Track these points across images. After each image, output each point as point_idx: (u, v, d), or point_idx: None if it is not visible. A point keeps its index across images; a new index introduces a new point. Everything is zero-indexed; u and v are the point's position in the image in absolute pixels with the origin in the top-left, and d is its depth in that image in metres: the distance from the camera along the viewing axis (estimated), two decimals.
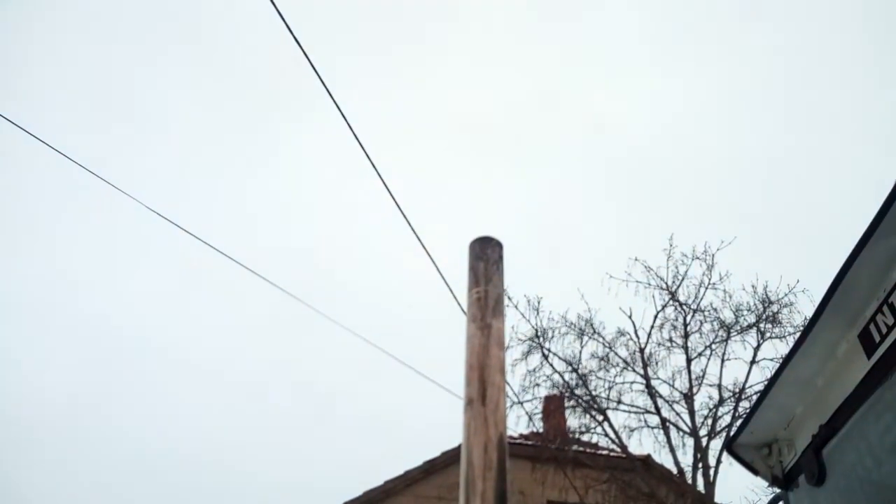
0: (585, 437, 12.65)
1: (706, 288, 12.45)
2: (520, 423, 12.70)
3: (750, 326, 12.10)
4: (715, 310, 12.39)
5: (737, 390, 11.93)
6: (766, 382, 6.08)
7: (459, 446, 2.40)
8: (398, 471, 14.44)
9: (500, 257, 2.78)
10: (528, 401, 12.66)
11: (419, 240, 5.01)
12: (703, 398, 12.17)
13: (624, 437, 12.13)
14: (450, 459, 13.91)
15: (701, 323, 12.42)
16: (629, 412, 12.35)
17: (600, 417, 12.35)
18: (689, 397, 12.05)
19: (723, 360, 12.17)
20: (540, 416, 13.05)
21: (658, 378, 12.40)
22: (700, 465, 11.41)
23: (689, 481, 11.41)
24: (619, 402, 12.38)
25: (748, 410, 4.32)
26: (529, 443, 12.96)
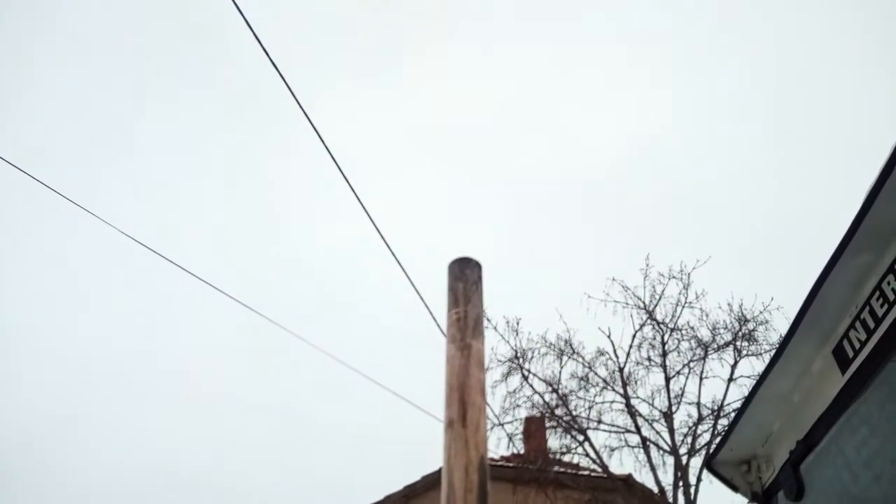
0: (566, 458, 12.60)
1: (683, 307, 12.59)
2: (500, 444, 12.64)
3: (727, 344, 12.23)
4: (692, 328, 12.52)
5: (715, 408, 12.02)
6: (743, 400, 6.14)
7: (440, 470, 2.38)
8: (378, 496, 14.25)
9: (480, 278, 2.79)
10: (508, 422, 12.62)
11: (396, 259, 5.00)
12: (683, 416, 12.25)
13: (605, 456, 12.13)
14: (430, 483, 13.75)
15: (679, 341, 12.53)
16: (609, 432, 12.37)
17: (581, 438, 12.34)
18: (668, 416, 12.09)
19: (701, 379, 12.27)
20: (521, 437, 12.99)
21: (637, 397, 12.45)
22: (681, 483, 11.42)
23: (671, 500, 11.40)
24: (600, 421, 12.39)
25: (727, 428, 4.36)
26: (511, 465, 12.87)
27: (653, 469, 11.71)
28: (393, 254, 4.94)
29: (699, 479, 11.33)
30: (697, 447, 11.80)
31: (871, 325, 2.80)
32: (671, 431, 11.93)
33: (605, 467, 12.02)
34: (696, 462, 11.62)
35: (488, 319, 12.52)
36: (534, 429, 13.21)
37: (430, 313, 4.85)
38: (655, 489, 11.70)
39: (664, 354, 12.47)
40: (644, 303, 12.68)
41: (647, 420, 12.23)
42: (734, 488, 4.03)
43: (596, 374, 12.66)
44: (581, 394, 12.57)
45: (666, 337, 12.55)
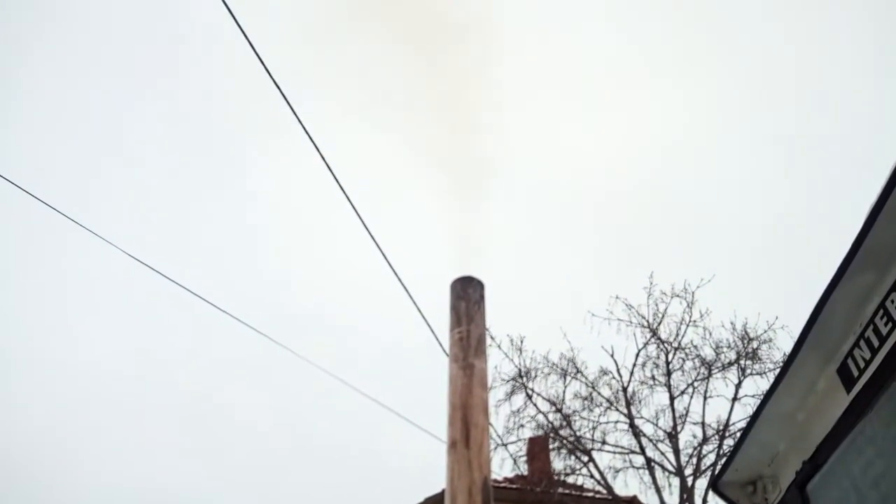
0: (571, 479, 12.48)
1: (687, 325, 12.52)
2: (504, 465, 12.53)
3: (731, 363, 12.16)
4: (696, 347, 12.44)
5: (720, 428, 11.92)
6: (748, 419, 6.10)
7: (443, 491, 2.36)
8: None
9: (482, 297, 2.79)
10: (512, 442, 12.53)
11: (398, 278, 5.00)
12: (688, 437, 12.14)
13: (609, 478, 12.01)
14: None
15: (682, 360, 12.45)
16: (614, 453, 12.26)
17: (585, 458, 12.22)
18: (673, 436, 11.99)
19: (705, 398, 12.17)
20: (524, 458, 12.88)
21: (642, 417, 12.36)
22: None
23: None
24: (604, 442, 12.28)
25: (732, 448, 4.32)
26: (514, 486, 12.74)
27: (658, 490, 11.59)
28: (395, 272, 4.95)
29: (705, 501, 11.20)
30: (703, 468, 11.69)
31: (876, 343, 2.80)
32: (676, 452, 11.83)
33: (609, 489, 11.90)
34: (702, 483, 11.50)
35: (492, 337, 12.49)
36: (537, 450, 13.10)
37: (433, 332, 4.84)
38: None
39: (668, 373, 12.40)
40: (648, 321, 12.64)
41: (651, 440, 12.13)
42: None
43: (600, 393, 12.59)
44: (585, 414, 12.49)
45: (670, 356, 12.48)
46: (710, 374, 12.21)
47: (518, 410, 12.56)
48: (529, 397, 12.60)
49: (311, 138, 4.72)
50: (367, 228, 4.87)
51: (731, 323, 12.40)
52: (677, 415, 12.15)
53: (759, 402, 4.53)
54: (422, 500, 13.89)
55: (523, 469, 12.81)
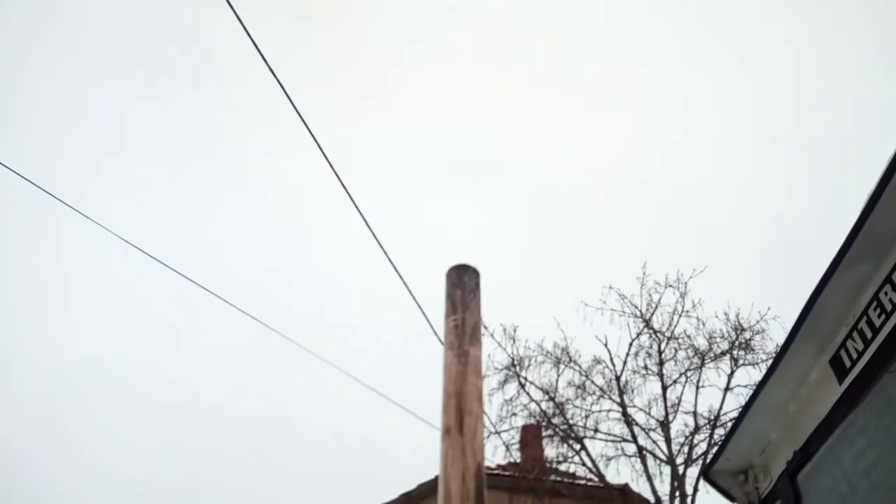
0: (563, 467, 12.56)
1: (679, 315, 12.57)
2: (497, 453, 12.60)
3: (723, 353, 12.21)
4: (689, 337, 12.50)
5: (712, 417, 12.00)
6: (740, 409, 6.14)
7: (436, 477, 2.36)
8: None
9: (478, 285, 2.78)
10: (505, 430, 12.59)
11: (395, 267, 4.98)
12: (680, 426, 12.22)
13: (601, 466, 12.10)
14: (426, 491, 13.66)
15: (675, 350, 12.51)
16: (606, 441, 12.34)
17: (577, 446, 12.30)
18: (665, 425, 12.07)
19: (697, 388, 12.24)
20: (517, 445, 12.95)
21: (634, 406, 12.43)
22: (677, 493, 11.38)
23: None
24: (597, 430, 12.36)
25: (724, 437, 4.35)
26: (507, 473, 12.81)
27: (649, 479, 11.67)
28: (391, 261, 4.94)
29: (696, 489, 11.29)
30: (694, 457, 11.78)
31: (869, 335, 2.81)
32: (668, 441, 11.90)
33: (601, 476, 11.98)
34: (693, 472, 11.61)
35: (485, 327, 12.51)
36: (530, 437, 13.17)
37: (427, 320, 4.84)
38: (652, 499, 11.67)
39: (661, 363, 12.45)
40: (641, 311, 12.68)
41: (643, 429, 12.20)
42: (731, 498, 4.02)
43: (593, 382, 12.64)
44: (578, 402, 12.56)
45: (663, 346, 12.54)
46: (702, 364, 12.28)
47: (511, 399, 12.63)
48: (522, 386, 12.66)
49: (311, 134, 4.69)
50: (362, 216, 4.86)
51: (725, 313, 12.46)
52: (669, 404, 12.24)
53: (751, 392, 4.55)
54: (414, 486, 13.96)
55: (516, 456, 12.88)
